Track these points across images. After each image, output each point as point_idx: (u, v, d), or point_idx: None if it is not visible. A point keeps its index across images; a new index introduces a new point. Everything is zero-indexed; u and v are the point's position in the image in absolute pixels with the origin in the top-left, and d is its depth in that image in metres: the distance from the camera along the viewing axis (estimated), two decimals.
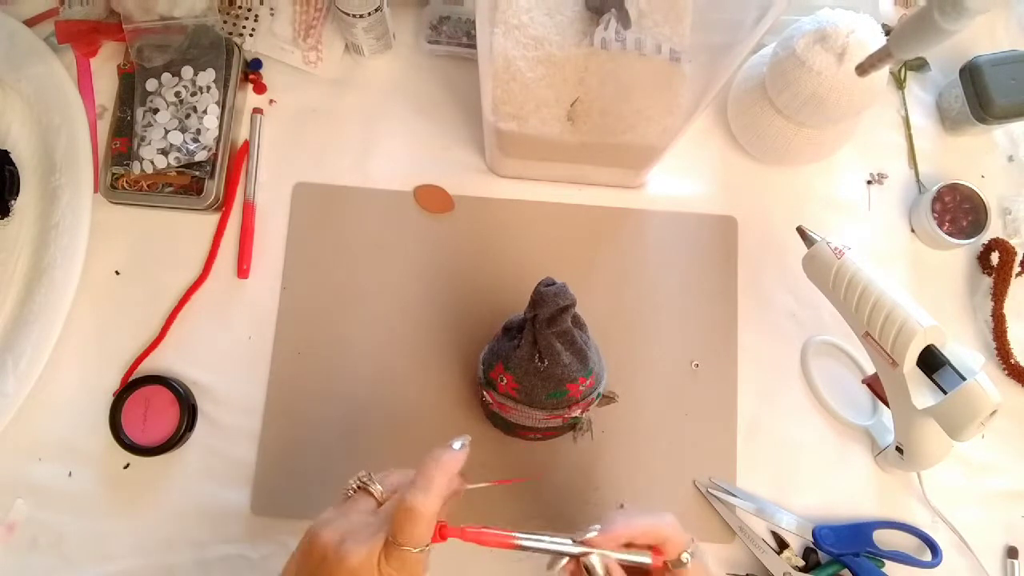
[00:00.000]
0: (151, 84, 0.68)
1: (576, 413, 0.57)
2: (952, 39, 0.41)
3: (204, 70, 0.68)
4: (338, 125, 0.72)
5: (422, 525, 0.42)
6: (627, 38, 0.56)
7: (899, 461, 0.63)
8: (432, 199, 0.71)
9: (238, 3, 0.72)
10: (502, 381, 0.55)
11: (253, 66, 0.72)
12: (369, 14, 0.65)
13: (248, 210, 0.69)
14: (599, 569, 0.44)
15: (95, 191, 0.68)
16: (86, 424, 0.65)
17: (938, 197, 0.70)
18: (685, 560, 0.45)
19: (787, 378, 0.69)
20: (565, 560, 0.45)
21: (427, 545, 0.42)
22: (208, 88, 0.67)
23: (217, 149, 0.67)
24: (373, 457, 0.65)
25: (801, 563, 0.64)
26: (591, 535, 0.45)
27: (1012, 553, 0.67)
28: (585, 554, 0.44)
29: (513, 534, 0.45)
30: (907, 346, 0.56)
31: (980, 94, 0.69)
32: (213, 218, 0.69)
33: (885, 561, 0.64)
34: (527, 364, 0.54)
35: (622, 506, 0.65)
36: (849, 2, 0.65)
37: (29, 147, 0.69)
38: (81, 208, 0.67)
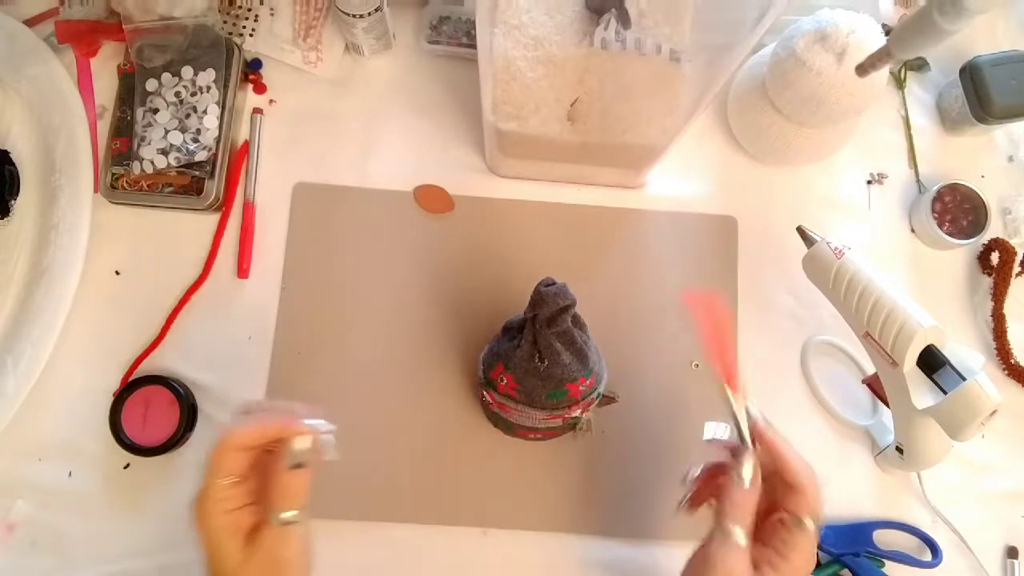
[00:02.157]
0: (151, 84, 0.68)
1: (576, 413, 0.57)
2: (952, 39, 0.41)
3: (204, 70, 0.68)
4: (338, 125, 0.72)
5: (223, 452, 0.44)
6: (627, 38, 0.56)
7: (899, 461, 0.63)
8: (432, 199, 0.71)
9: (238, 3, 0.72)
10: (502, 381, 0.55)
11: (253, 66, 0.72)
12: (369, 14, 0.65)
13: (248, 210, 0.69)
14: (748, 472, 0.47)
15: (95, 191, 0.68)
16: (86, 424, 0.64)
17: (938, 197, 0.70)
18: (799, 525, 0.46)
19: (787, 378, 0.69)
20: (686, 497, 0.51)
21: (227, 481, 0.44)
22: (208, 88, 0.67)
23: (217, 149, 0.67)
24: (372, 457, 0.65)
25: None
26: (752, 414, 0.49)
27: (1012, 553, 0.67)
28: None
29: None
30: (907, 346, 0.56)
31: (980, 94, 0.69)
32: (213, 218, 0.69)
33: (885, 561, 0.64)
34: (527, 364, 0.54)
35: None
36: (849, 2, 0.65)
37: (29, 147, 0.69)
38: (81, 208, 0.67)
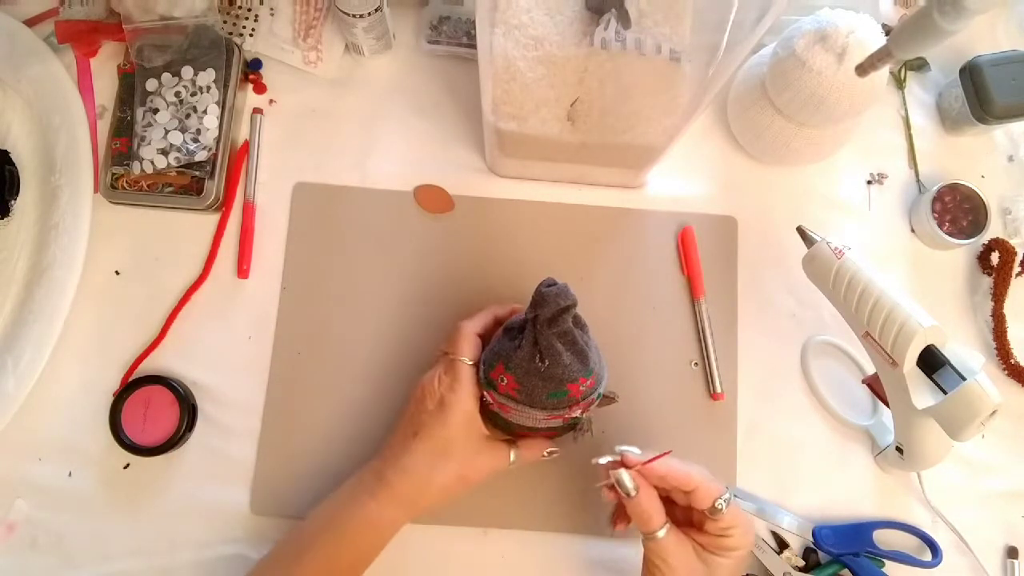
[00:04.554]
0: (151, 84, 0.68)
1: (576, 413, 0.57)
2: (952, 39, 0.41)
3: (204, 70, 0.68)
4: (338, 125, 0.72)
5: (461, 338, 0.57)
6: (627, 38, 0.56)
7: (899, 461, 0.63)
8: (432, 199, 0.71)
9: (238, 3, 0.72)
10: (502, 381, 0.55)
11: (253, 66, 0.72)
12: (369, 14, 0.65)
13: (248, 210, 0.69)
14: (627, 482, 0.52)
15: (95, 191, 0.68)
16: (86, 424, 0.65)
17: (938, 197, 0.70)
18: (719, 507, 0.52)
19: (787, 378, 0.69)
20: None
21: (471, 361, 0.56)
22: (208, 88, 0.68)
23: (217, 149, 0.67)
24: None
25: (801, 563, 0.64)
26: (631, 452, 0.53)
27: (1012, 553, 0.67)
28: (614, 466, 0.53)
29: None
30: (907, 346, 0.56)
31: (980, 94, 0.69)
32: (213, 218, 0.69)
33: (885, 561, 0.64)
34: (528, 364, 0.54)
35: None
36: (849, 2, 0.65)
37: (29, 147, 0.69)
38: (81, 208, 0.67)
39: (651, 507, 0.52)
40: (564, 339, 0.54)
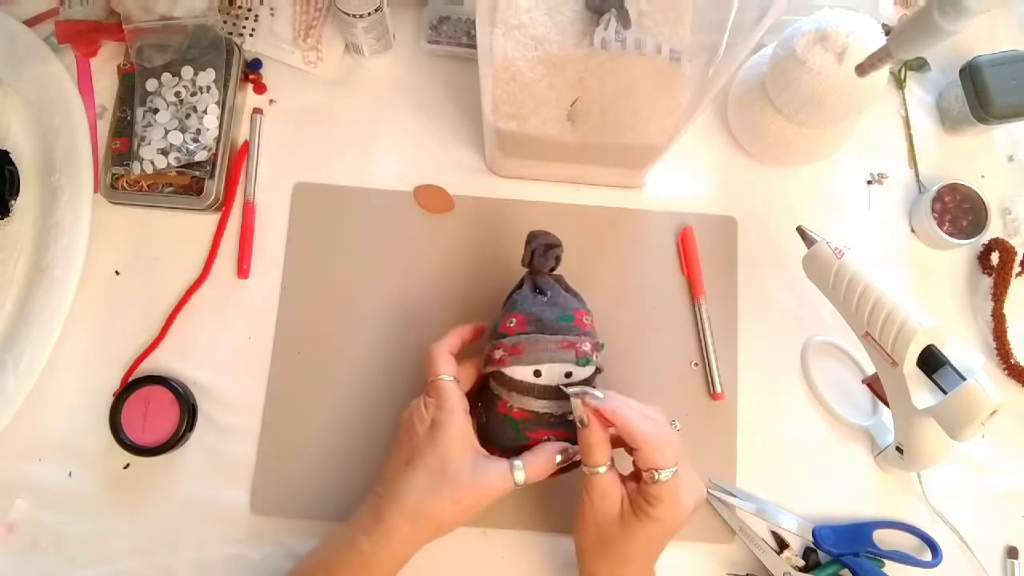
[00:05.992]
0: (151, 84, 0.68)
1: (587, 348, 0.56)
2: (952, 39, 0.41)
3: (204, 70, 0.68)
4: (338, 125, 0.72)
5: (436, 359, 0.57)
6: (627, 38, 0.57)
7: (899, 461, 0.63)
8: (432, 199, 0.71)
9: (238, 3, 0.72)
10: (511, 324, 0.57)
11: (253, 66, 0.72)
12: (369, 14, 0.65)
13: (248, 210, 0.69)
14: (580, 413, 0.53)
15: (95, 191, 0.68)
16: (86, 424, 0.65)
17: (938, 197, 0.70)
18: (654, 478, 0.51)
19: (787, 378, 0.69)
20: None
21: (452, 377, 0.56)
22: (208, 88, 0.68)
23: (217, 149, 0.67)
24: (373, 457, 0.65)
25: (801, 563, 0.64)
26: (593, 395, 0.53)
27: (1012, 553, 0.67)
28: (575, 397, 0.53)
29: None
30: (907, 346, 0.56)
31: (980, 94, 0.69)
32: (213, 218, 0.69)
33: (885, 561, 0.64)
34: (532, 299, 0.57)
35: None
36: (849, 2, 0.65)
37: (29, 147, 0.69)
38: (81, 208, 0.67)
39: (596, 443, 0.52)
40: (561, 283, 0.58)
